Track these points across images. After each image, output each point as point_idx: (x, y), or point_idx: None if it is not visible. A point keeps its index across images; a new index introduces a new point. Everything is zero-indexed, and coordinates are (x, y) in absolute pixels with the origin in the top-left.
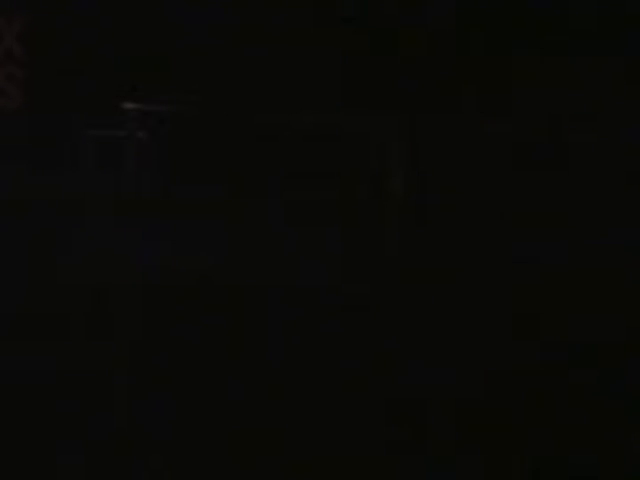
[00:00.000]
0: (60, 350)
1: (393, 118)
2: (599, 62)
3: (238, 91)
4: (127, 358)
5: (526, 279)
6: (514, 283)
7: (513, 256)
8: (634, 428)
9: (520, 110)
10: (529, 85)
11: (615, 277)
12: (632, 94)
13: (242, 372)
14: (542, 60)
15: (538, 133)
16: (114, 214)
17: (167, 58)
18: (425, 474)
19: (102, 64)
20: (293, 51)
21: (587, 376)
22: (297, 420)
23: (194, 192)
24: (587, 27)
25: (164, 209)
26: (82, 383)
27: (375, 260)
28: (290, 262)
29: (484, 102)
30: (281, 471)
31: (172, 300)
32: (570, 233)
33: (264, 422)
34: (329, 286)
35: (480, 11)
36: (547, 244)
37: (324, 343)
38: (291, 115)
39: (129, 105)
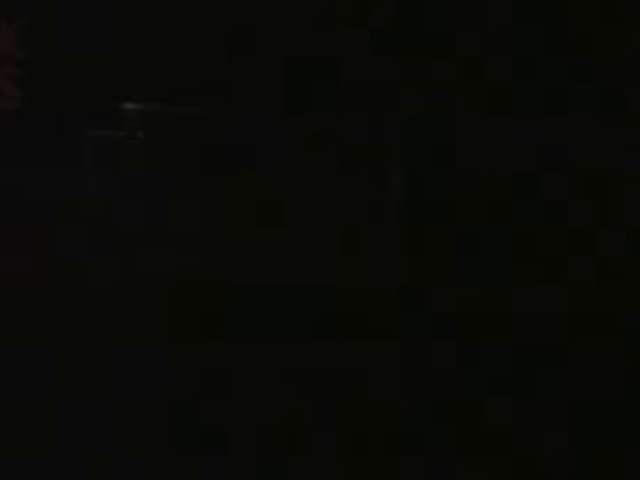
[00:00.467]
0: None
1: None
2: None
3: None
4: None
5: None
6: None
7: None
8: None
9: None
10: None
11: None
12: None
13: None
14: None
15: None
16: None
17: (167, 58)
18: None
19: (102, 64)
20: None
21: None
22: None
23: (194, 191)
24: None
25: (165, 209)
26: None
27: (374, 260)
28: (290, 261)
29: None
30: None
31: (173, 300)
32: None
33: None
34: (328, 286)
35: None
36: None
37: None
38: (294, 115)
39: (129, 105)
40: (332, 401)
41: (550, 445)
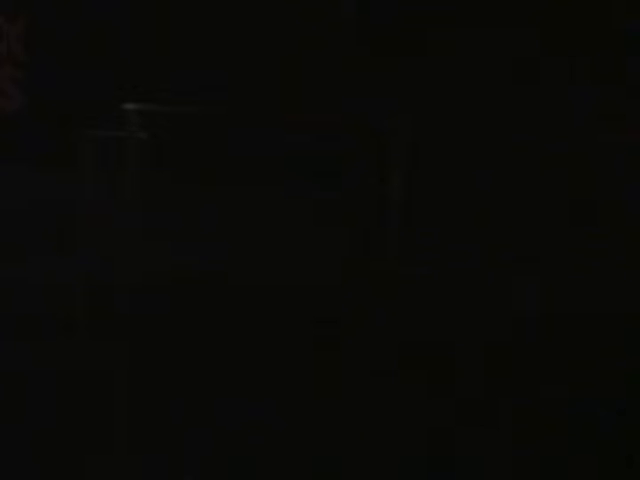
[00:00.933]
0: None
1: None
2: None
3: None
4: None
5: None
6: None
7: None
8: None
9: None
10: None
11: None
12: None
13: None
14: None
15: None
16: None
17: (169, 58)
18: None
19: (103, 64)
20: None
21: None
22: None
23: (194, 192)
24: None
25: (165, 209)
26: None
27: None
28: (289, 261)
29: None
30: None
31: (175, 300)
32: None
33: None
34: (328, 286)
35: None
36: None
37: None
38: (296, 113)
39: (129, 105)
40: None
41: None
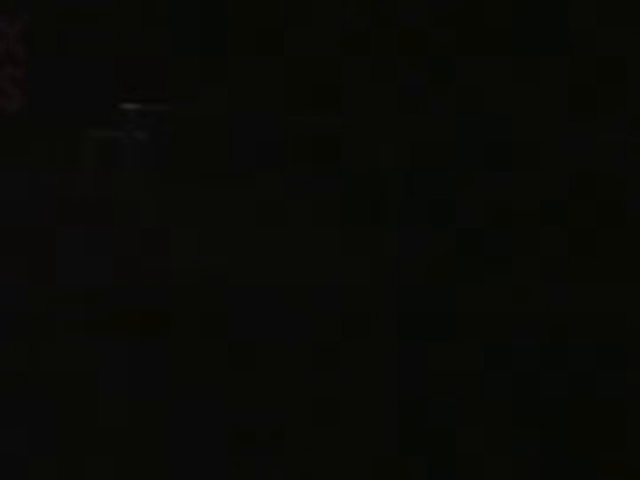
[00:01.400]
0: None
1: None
2: None
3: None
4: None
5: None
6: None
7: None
8: None
9: None
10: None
11: None
12: None
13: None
14: None
15: None
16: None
17: (167, 58)
18: None
19: (102, 64)
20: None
21: None
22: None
23: (193, 192)
24: None
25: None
26: None
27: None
28: (288, 261)
29: None
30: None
31: (173, 301)
32: None
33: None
34: (328, 285)
35: None
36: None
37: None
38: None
39: (128, 105)
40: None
41: None
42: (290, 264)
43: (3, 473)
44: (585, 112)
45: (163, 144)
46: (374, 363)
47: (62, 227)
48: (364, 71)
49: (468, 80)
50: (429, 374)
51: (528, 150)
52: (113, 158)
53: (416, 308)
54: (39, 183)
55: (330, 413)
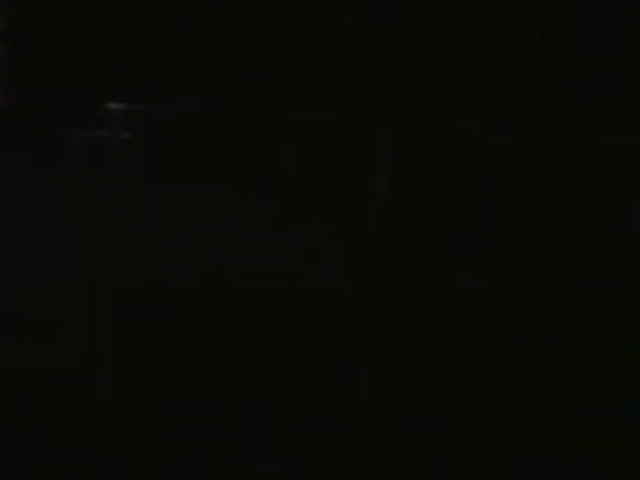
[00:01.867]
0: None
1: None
2: None
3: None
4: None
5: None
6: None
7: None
8: None
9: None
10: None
11: None
12: None
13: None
14: None
15: None
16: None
17: (155, 57)
18: None
19: (87, 63)
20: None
21: None
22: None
23: (179, 191)
24: None
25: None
26: None
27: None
28: (280, 260)
29: None
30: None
31: (169, 301)
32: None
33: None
34: (322, 285)
35: None
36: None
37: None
38: (286, 114)
39: (113, 105)
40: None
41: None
42: (284, 265)
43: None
44: None
45: (149, 144)
46: None
47: (45, 226)
48: None
49: None
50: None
51: None
52: (98, 157)
53: None
54: (23, 182)
55: None
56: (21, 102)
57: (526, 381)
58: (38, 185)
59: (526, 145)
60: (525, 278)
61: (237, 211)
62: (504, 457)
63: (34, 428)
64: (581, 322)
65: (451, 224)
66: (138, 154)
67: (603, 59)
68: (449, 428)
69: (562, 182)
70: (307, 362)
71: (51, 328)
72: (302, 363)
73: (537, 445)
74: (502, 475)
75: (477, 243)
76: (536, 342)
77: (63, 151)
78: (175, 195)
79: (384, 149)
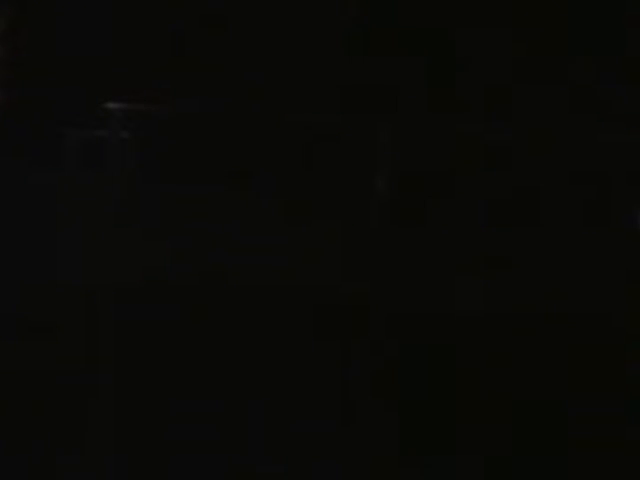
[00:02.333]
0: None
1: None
2: None
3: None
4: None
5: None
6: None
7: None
8: None
9: None
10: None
11: None
12: None
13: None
14: None
15: None
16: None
17: (155, 57)
18: None
19: (87, 63)
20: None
21: None
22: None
23: (179, 191)
24: None
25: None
26: None
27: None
28: (280, 260)
29: None
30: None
31: (169, 301)
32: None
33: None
34: (319, 285)
35: None
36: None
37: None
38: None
39: (113, 105)
40: None
41: None
42: (284, 265)
43: None
44: None
45: (149, 144)
46: None
47: (45, 227)
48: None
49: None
50: None
51: None
52: (97, 157)
53: None
54: (23, 182)
55: None
56: (21, 102)
57: (526, 381)
58: (38, 185)
59: (526, 145)
60: (525, 278)
61: (237, 211)
62: (504, 457)
63: (34, 428)
64: (581, 322)
65: (451, 224)
66: (138, 154)
67: (603, 59)
68: (449, 428)
69: (562, 182)
70: (307, 362)
71: (51, 328)
72: (302, 363)
73: (537, 445)
74: (502, 475)
75: (477, 243)
76: (536, 342)
77: (63, 151)
78: (175, 195)
79: (384, 149)
